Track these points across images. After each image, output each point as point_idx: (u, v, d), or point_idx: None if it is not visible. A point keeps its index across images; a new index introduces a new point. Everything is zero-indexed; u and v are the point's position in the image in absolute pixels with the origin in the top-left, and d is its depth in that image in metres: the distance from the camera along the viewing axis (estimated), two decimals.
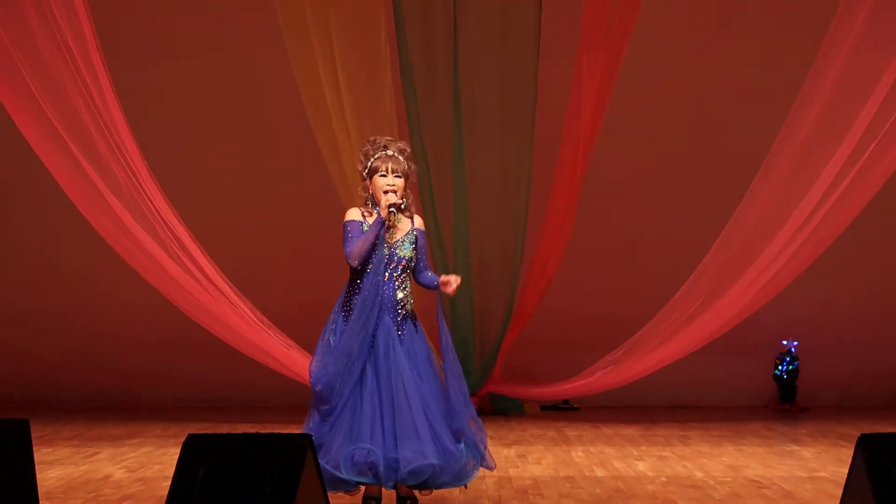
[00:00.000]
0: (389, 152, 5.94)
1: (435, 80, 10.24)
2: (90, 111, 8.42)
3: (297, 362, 9.13)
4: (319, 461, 5.61)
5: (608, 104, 9.98)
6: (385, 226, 5.87)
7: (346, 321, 5.87)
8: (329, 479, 5.68)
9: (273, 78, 10.45)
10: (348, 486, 5.82)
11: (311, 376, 5.87)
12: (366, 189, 5.97)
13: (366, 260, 5.85)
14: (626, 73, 10.08)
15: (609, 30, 9.79)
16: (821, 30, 8.66)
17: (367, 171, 5.94)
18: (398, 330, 5.89)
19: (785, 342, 10.88)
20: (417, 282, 6.05)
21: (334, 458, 5.71)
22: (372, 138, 6.04)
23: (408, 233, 5.97)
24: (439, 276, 6.00)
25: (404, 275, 5.94)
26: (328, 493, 5.08)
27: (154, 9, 11.03)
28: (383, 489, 5.95)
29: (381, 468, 5.69)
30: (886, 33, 8.32)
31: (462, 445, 5.86)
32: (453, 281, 5.90)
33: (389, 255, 5.89)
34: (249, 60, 10.88)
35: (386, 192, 5.87)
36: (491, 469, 6.09)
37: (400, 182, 5.91)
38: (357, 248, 5.84)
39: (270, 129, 10.93)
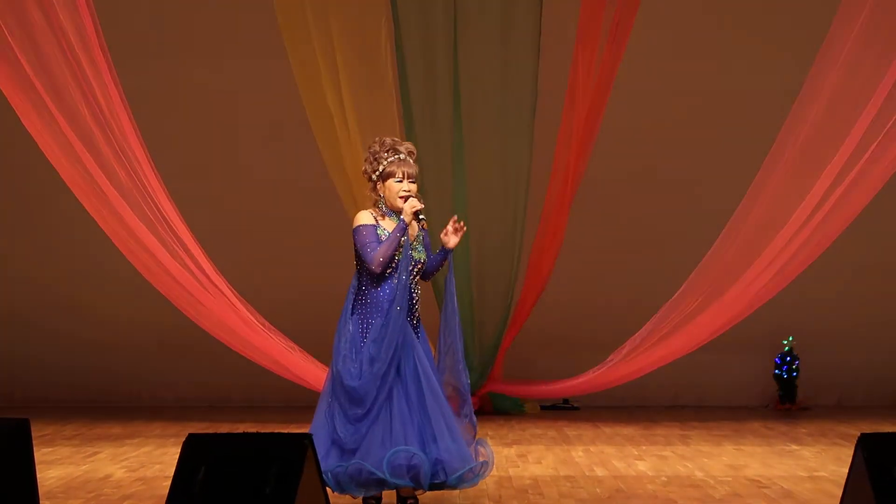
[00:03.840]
0: (402, 156, 5.90)
1: (434, 80, 10.23)
2: (93, 111, 8.41)
3: (298, 364, 9.13)
4: (360, 462, 5.65)
5: (606, 103, 9.98)
6: (407, 231, 5.85)
7: (361, 324, 5.83)
8: (366, 480, 5.68)
9: (276, 79, 10.45)
10: (385, 488, 5.80)
11: (345, 379, 5.75)
12: (376, 192, 5.94)
13: (388, 265, 5.84)
14: (626, 73, 10.08)
15: (606, 28, 9.79)
16: (822, 28, 8.66)
17: (378, 174, 5.91)
18: (415, 332, 5.91)
19: (785, 342, 10.88)
20: (428, 273, 6.03)
21: (374, 460, 5.68)
22: (379, 139, 5.98)
23: (417, 234, 5.96)
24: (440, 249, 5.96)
25: (418, 277, 5.95)
26: (328, 494, 5.08)
27: (156, 10, 11.03)
28: (383, 490, 5.95)
29: (424, 470, 5.68)
30: (888, 33, 8.32)
31: (488, 447, 5.91)
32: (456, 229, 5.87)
33: (404, 258, 5.88)
34: (252, 61, 10.87)
35: (404, 199, 5.84)
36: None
37: (414, 187, 5.90)
38: (383, 253, 5.78)
39: (273, 129, 10.92)
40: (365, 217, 5.90)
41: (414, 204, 5.82)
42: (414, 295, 5.91)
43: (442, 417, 5.77)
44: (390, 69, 9.76)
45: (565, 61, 10.07)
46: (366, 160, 5.96)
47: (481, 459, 5.89)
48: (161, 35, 11.03)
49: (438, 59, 10.22)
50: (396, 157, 5.90)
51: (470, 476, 5.81)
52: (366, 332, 5.83)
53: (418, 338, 5.91)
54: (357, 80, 9.63)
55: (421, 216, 5.84)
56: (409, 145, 5.98)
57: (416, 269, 5.91)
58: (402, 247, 5.81)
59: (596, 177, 10.41)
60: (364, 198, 6.09)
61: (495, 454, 6.20)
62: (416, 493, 5.96)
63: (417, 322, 5.94)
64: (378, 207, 5.93)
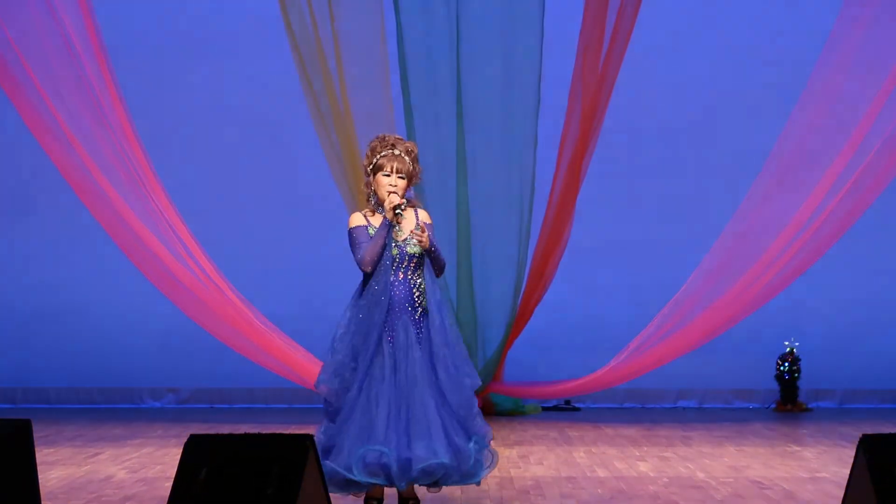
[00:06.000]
0: (396, 151, 5.90)
1: (436, 80, 10.23)
2: (94, 110, 8.42)
3: (300, 364, 9.11)
4: (331, 464, 5.63)
5: (608, 104, 9.98)
6: (391, 227, 5.87)
7: (354, 322, 5.87)
8: (340, 481, 5.65)
9: (276, 78, 10.46)
10: (360, 489, 5.79)
11: (317, 377, 5.88)
12: (368, 185, 5.95)
13: (378, 263, 5.85)
14: (628, 74, 10.08)
15: (610, 29, 9.79)
16: (824, 30, 8.66)
17: (371, 166, 5.93)
18: (417, 328, 5.86)
19: (787, 343, 10.88)
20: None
21: (346, 460, 5.65)
22: (381, 135, 6.00)
23: (414, 229, 5.95)
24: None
25: (418, 271, 5.92)
26: (332, 495, 5.08)
27: (156, 8, 11.03)
28: (385, 491, 5.94)
29: (394, 469, 5.65)
30: (889, 36, 8.33)
31: (472, 444, 5.83)
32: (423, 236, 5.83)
33: (399, 255, 5.88)
34: (253, 60, 10.88)
35: (389, 193, 5.86)
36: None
37: (402, 183, 5.89)
38: (368, 253, 5.82)
39: (274, 128, 10.92)
40: (355, 219, 5.94)
41: (392, 200, 5.82)
42: (414, 291, 5.90)
43: (424, 416, 5.68)
44: (390, 68, 9.77)
45: (570, 60, 10.06)
46: (365, 155, 6.00)
47: (473, 459, 5.77)
48: (161, 34, 11.02)
49: (441, 60, 10.20)
50: (390, 151, 5.90)
51: (440, 470, 5.65)
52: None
53: (421, 333, 5.85)
54: (359, 81, 9.64)
55: (397, 211, 5.84)
56: (409, 144, 5.98)
57: (411, 265, 5.91)
58: (388, 244, 5.85)
59: (598, 178, 10.40)
60: (363, 194, 6.09)
61: (498, 455, 6.14)
62: (431, 489, 5.90)
63: (421, 317, 5.89)
64: (369, 202, 5.95)
